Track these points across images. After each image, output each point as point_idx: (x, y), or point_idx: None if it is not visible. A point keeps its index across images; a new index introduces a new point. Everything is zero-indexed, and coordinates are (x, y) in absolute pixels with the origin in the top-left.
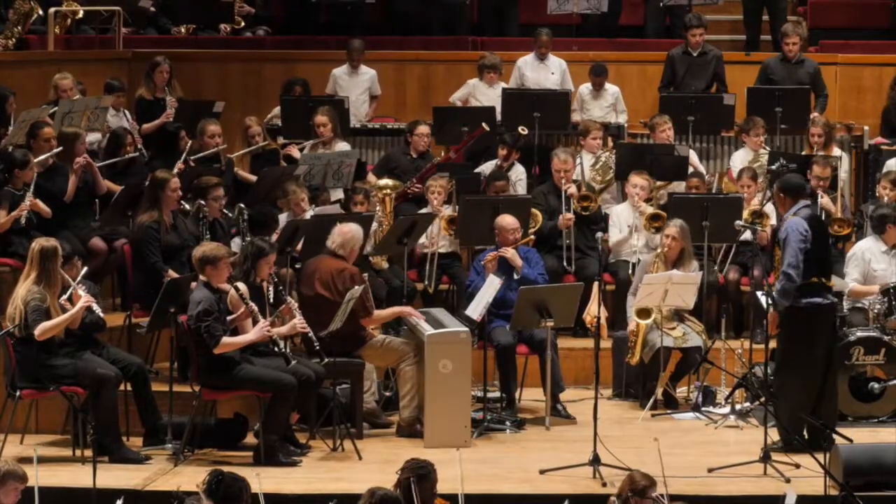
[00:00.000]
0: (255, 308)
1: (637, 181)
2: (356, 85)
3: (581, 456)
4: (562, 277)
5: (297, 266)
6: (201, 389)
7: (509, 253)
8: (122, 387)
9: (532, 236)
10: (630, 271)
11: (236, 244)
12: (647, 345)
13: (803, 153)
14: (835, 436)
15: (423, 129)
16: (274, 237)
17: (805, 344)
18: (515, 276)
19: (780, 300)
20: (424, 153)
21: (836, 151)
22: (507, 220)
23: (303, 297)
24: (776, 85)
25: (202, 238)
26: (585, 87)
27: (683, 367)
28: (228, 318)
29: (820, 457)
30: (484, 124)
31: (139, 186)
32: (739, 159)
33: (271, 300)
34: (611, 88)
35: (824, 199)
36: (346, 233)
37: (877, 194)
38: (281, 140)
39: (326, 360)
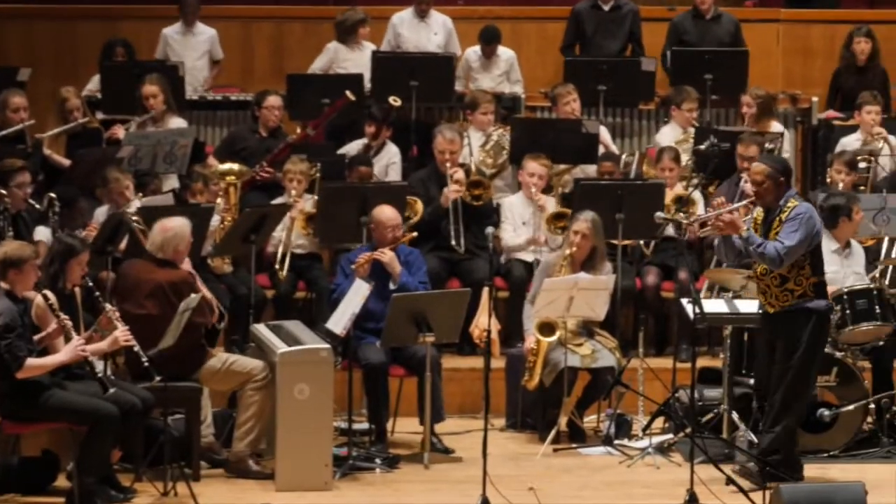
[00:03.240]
0: (69, 322)
1: (533, 168)
2: (192, 47)
3: (468, 500)
4: (444, 282)
5: None
6: (2, 422)
7: (387, 257)
8: None
9: (414, 233)
10: (528, 274)
11: (42, 233)
12: (548, 364)
13: (737, 128)
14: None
15: (274, 100)
16: (85, 232)
17: (817, 351)
18: (392, 286)
19: (760, 252)
20: (276, 130)
21: (776, 127)
22: (387, 214)
23: (127, 314)
24: (690, 47)
25: (3, 235)
26: (474, 51)
27: (592, 392)
28: (36, 336)
29: (758, 499)
30: (348, 92)
31: None
32: (666, 138)
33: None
34: (504, 53)
35: (748, 185)
36: (166, 230)
37: (828, 180)
38: (101, 115)
39: (158, 378)
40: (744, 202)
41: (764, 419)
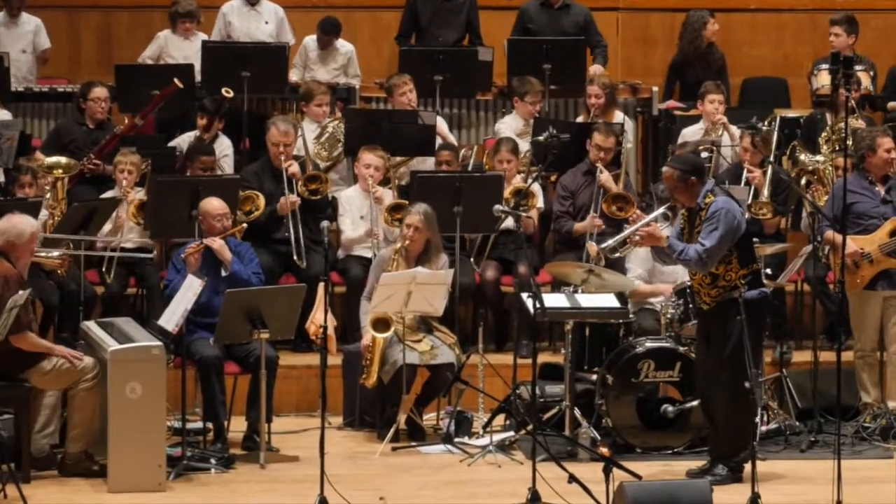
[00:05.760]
0: None
1: (369, 159)
2: (17, 37)
3: (305, 500)
4: (279, 277)
5: None
6: None
7: (216, 244)
8: None
9: (244, 225)
10: (365, 270)
11: None
12: (386, 362)
13: (579, 120)
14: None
15: (100, 91)
16: None
17: (751, 338)
18: (224, 273)
19: (683, 260)
20: (103, 122)
21: (619, 117)
22: (213, 205)
23: None
24: (534, 35)
25: None
26: (312, 41)
27: (432, 389)
28: None
29: (601, 497)
30: (176, 80)
31: None
32: (508, 129)
33: None
34: (343, 47)
35: (604, 176)
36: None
37: None
38: None
39: None
40: (660, 210)
41: (711, 416)
